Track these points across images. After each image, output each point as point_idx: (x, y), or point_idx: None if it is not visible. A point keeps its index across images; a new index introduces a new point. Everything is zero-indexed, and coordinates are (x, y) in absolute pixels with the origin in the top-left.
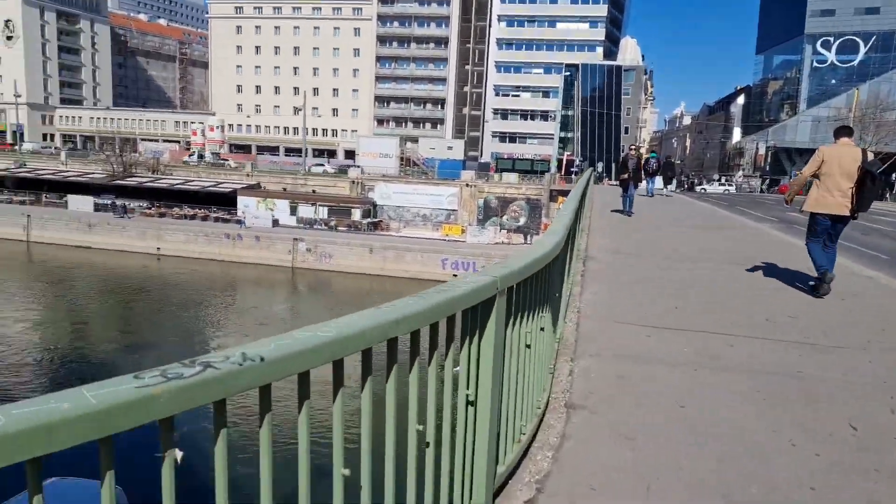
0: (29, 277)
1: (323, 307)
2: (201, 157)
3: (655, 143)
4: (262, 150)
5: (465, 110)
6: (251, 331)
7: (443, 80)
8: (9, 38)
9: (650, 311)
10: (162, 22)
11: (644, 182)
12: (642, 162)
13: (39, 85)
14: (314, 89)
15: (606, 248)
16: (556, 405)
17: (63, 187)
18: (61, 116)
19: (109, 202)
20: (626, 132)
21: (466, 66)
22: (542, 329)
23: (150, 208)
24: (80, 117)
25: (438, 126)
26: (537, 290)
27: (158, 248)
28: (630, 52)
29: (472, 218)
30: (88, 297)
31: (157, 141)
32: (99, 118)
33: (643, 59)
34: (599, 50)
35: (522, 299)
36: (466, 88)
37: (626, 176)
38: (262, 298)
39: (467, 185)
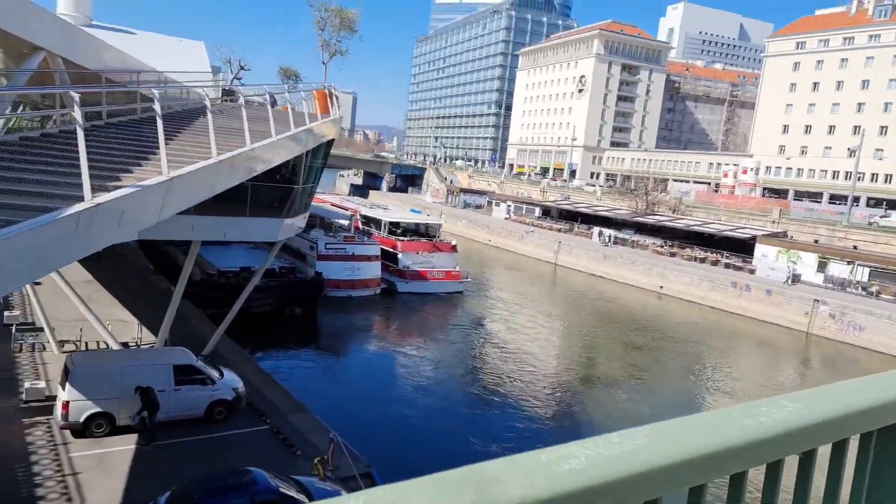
0: (553, 297)
1: None
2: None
3: None
4: (800, 195)
5: None
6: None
7: None
8: (580, 91)
9: None
10: (717, 66)
11: None
12: None
13: (595, 130)
14: (881, 128)
15: None
16: None
17: (593, 220)
18: (608, 157)
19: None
20: None
21: None
22: None
23: (662, 246)
24: (624, 158)
25: None
26: None
27: (661, 287)
28: None
29: None
30: (597, 323)
31: (687, 182)
32: (639, 159)
33: None
34: None
35: None
36: None
37: None
38: (767, 368)
39: None
